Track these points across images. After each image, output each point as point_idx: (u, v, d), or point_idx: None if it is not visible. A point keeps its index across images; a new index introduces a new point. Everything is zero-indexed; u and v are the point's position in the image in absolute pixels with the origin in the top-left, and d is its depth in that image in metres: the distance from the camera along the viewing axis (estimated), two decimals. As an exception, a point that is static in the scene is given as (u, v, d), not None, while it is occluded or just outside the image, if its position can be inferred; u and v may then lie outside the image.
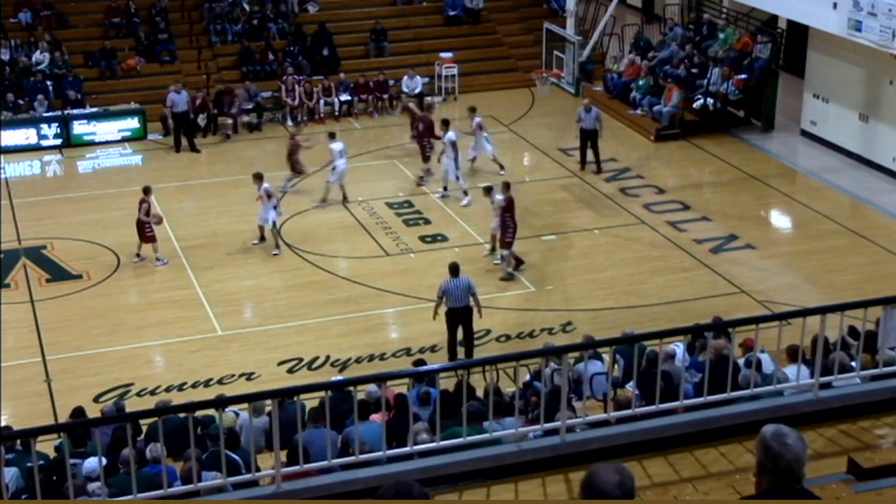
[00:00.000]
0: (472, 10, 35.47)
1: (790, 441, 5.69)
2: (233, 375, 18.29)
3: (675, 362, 13.75)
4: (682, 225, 24.07)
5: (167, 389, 17.82)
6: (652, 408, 10.02)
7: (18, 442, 13.10)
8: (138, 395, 17.63)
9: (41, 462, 11.58)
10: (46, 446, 13.27)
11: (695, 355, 14.80)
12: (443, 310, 18.49)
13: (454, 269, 18.61)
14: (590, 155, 26.99)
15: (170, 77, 31.46)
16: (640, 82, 30.46)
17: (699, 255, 22.62)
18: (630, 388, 12.54)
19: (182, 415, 11.78)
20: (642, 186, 26.30)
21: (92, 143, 29.37)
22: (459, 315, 18.50)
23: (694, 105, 29.13)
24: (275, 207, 22.54)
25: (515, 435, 10.14)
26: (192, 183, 26.67)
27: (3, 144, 28.35)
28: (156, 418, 12.24)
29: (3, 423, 16.49)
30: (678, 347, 14.21)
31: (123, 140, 29.40)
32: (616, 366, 14.78)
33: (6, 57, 31.26)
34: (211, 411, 13.08)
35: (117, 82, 31.67)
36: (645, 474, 9.25)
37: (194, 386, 17.98)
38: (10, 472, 12.34)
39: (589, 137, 26.89)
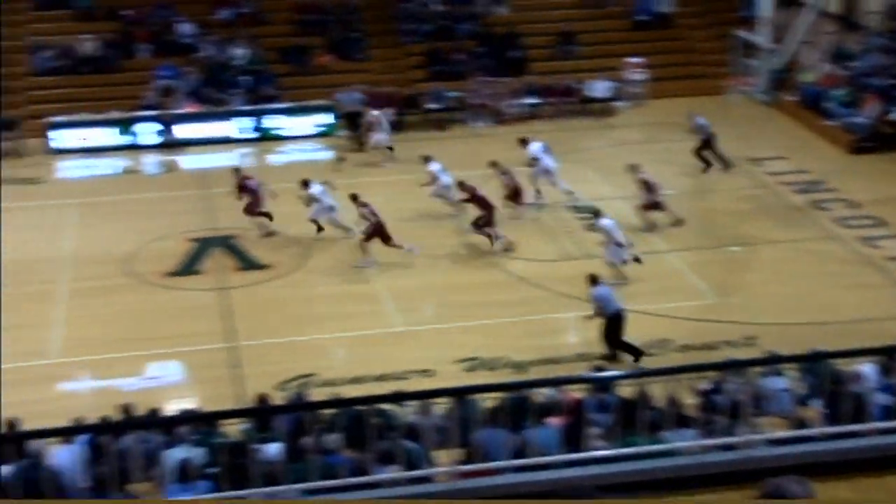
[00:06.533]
0: (661, 14, 35.04)
1: None
2: (411, 371, 18.50)
3: (865, 383, 13.29)
4: (877, 241, 23.24)
5: (348, 381, 18.12)
6: (838, 428, 9.72)
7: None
8: (320, 385, 17.97)
9: (225, 442, 11.95)
10: (232, 430, 13.65)
11: (889, 377, 14.26)
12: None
13: (596, 279, 18.78)
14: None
15: (359, 75, 32.12)
16: (837, 92, 29.55)
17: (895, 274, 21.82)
18: (815, 406, 12.20)
19: (361, 407, 11.98)
20: (834, 200, 25.50)
21: (284, 137, 30.21)
22: (622, 316, 18.55)
23: (891, 117, 28.09)
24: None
25: (693, 447, 9.98)
26: (377, 180, 27.04)
27: (202, 136, 29.47)
28: (335, 409, 12.49)
29: (189, 406, 17.11)
30: (868, 368, 13.73)
31: (315, 135, 30.10)
32: (800, 383, 14.38)
33: (207, 52, 32.42)
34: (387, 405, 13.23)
35: (309, 79, 32.43)
36: (827, 499, 8.96)
37: (374, 379, 18.23)
38: (199, 452, 12.80)
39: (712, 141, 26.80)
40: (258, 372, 18.52)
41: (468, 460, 10.56)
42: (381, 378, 18.16)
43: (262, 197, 23.67)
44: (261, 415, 14.03)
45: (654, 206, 23.62)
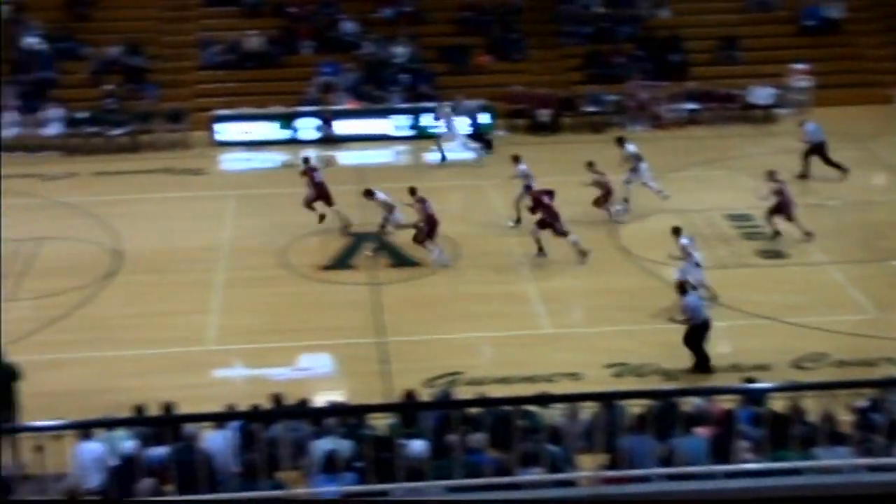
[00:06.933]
0: (830, 20, 34.10)
1: None
2: (558, 374, 18.41)
3: None
4: None
5: (494, 381, 18.14)
6: None
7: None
8: (467, 383, 18.03)
9: (371, 436, 12.09)
10: (379, 424, 13.81)
11: None
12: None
13: (685, 287, 18.58)
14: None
15: (517, 76, 32.16)
16: None
17: None
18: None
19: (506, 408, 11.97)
20: None
21: (440, 136, 30.35)
22: (709, 326, 18.37)
23: None
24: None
25: (847, 466, 9.68)
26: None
27: (360, 133, 29.90)
28: (481, 408, 12.51)
29: (337, 399, 17.39)
30: None
31: (472, 134, 30.20)
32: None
33: (368, 50, 32.89)
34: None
35: (467, 78, 32.57)
36: None
37: (521, 380, 18.20)
38: (346, 444, 12.99)
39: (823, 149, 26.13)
40: (406, 368, 18.68)
41: (613, 466, 10.45)
42: (527, 379, 18.11)
43: (324, 191, 23.79)
44: (407, 410, 14.15)
45: (780, 212, 23.00)
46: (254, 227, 24.39)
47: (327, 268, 22.69)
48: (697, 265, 20.23)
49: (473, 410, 13.51)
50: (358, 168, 28.48)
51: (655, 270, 22.18)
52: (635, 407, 13.29)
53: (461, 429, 12.22)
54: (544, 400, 11.77)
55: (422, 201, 22.67)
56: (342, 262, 22.94)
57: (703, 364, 18.43)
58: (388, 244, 23.58)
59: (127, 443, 13.75)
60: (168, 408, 14.25)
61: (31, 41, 32.52)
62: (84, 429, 13.59)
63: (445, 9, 34.62)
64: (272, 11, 34.29)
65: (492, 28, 33.89)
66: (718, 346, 19.71)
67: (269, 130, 30.67)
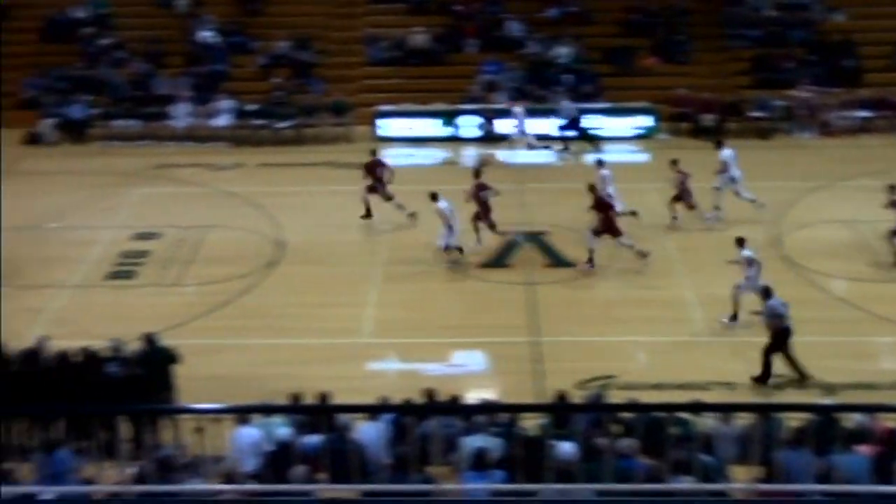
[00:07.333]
0: None
1: None
2: (713, 382, 18.06)
3: None
4: None
5: (647, 387, 17.91)
6: None
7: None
8: (619, 387, 17.84)
9: (522, 435, 12.06)
10: (529, 424, 13.76)
11: None
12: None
13: (770, 291, 18.24)
14: None
15: (683, 78, 31.71)
16: None
17: None
18: None
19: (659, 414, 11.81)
20: None
21: (602, 138, 30.20)
22: (791, 333, 17.99)
23: None
24: None
25: None
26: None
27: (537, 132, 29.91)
28: (633, 413, 12.37)
29: (488, 397, 17.40)
30: None
31: (633, 137, 29.92)
32: None
33: (532, 49, 32.87)
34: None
35: (631, 79, 32.25)
36: None
37: (675, 387, 17.92)
38: (496, 441, 13.00)
39: None
40: (558, 368, 18.59)
41: (768, 479, 10.20)
42: (681, 386, 17.82)
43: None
44: (559, 411, 14.07)
45: None
46: (412, 222, 24.59)
47: (484, 265, 22.75)
48: (751, 279, 19.72)
49: (625, 415, 13.38)
50: (517, 168, 28.45)
51: (818, 281, 21.58)
52: (793, 420, 12.96)
53: (612, 433, 12.09)
54: (698, 408, 11.55)
55: (486, 187, 22.91)
56: (499, 260, 22.97)
57: (765, 375, 18.04)
58: (545, 244, 23.50)
59: (282, 429, 14.04)
60: (323, 397, 14.48)
61: (206, 35, 33.52)
62: (243, 413, 13.95)
63: (611, 10, 34.34)
64: (438, 9, 34.56)
65: (658, 30, 33.48)
66: (886, 362, 19.11)
67: (431, 127, 30.92)
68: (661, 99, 30.91)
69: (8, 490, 9.72)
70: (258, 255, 23.37)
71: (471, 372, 19.20)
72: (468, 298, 21.56)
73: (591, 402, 15.49)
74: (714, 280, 21.47)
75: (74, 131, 31.02)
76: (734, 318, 19.81)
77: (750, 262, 19.77)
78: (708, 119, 30.37)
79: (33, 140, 30.79)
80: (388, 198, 24.47)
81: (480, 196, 22.81)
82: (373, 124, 30.95)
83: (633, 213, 23.86)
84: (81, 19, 34.29)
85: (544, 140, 29.50)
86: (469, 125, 30.76)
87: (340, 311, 21.04)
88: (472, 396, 17.19)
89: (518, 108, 29.29)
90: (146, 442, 13.89)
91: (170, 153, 29.94)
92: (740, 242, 20.14)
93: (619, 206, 23.05)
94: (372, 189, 24.57)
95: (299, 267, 22.85)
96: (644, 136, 30.35)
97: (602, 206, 22.23)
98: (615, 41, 33.40)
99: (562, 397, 15.00)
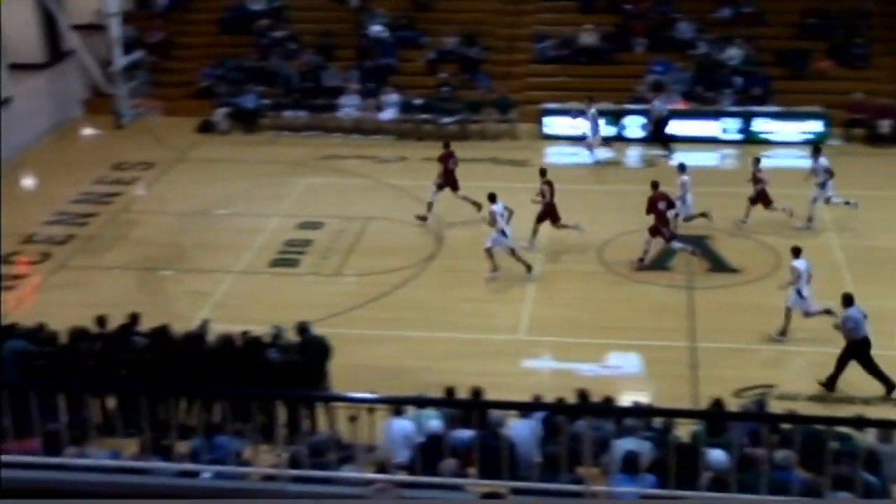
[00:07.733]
0: None
1: None
2: (875, 397, 17.52)
3: None
4: None
5: (807, 398, 17.48)
6: None
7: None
8: (778, 397, 17.43)
9: (675, 441, 11.88)
10: (683, 430, 13.57)
11: None
12: None
13: (850, 299, 17.74)
14: None
15: (859, 83, 30.73)
16: None
17: None
18: None
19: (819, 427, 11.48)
20: None
21: (770, 142, 29.52)
22: (869, 343, 17.58)
23: None
24: None
25: None
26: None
27: (687, 134, 29.46)
28: (792, 425, 12.05)
29: (642, 400, 17.19)
30: None
31: (803, 142, 29.13)
32: None
33: (702, 50, 32.33)
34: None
35: (804, 83, 31.43)
36: None
37: (836, 400, 17.43)
38: (647, 445, 12.85)
39: None
40: (715, 375, 18.28)
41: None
42: (843, 400, 17.34)
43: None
44: (715, 419, 13.81)
45: None
46: (574, 221, 24.45)
47: (643, 268, 22.48)
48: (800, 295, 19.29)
49: (783, 426, 13.05)
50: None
51: None
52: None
53: (769, 444, 11.81)
54: (861, 423, 11.19)
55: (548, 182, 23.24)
56: (659, 263, 22.67)
57: (887, 384, 17.64)
58: (708, 249, 23.12)
59: (434, 422, 14.14)
60: (477, 393, 14.53)
61: (377, 29, 34.00)
62: (397, 404, 14.10)
63: (786, 11, 33.51)
64: (607, 8, 34.28)
65: (835, 33, 32.50)
66: None
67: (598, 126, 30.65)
68: (834, 104, 30.01)
69: (167, 466, 10.03)
70: (418, 248, 23.61)
71: (626, 374, 19.03)
72: (625, 300, 21.36)
73: (749, 411, 15.14)
74: (882, 291, 20.79)
75: (246, 121, 31.85)
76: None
77: (798, 273, 19.30)
78: (884, 126, 29.37)
79: (207, 128, 31.76)
80: (441, 188, 24.85)
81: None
82: (538, 122, 30.89)
83: (704, 215, 23.69)
84: (258, 12, 35.18)
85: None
86: (634, 125, 30.43)
87: (498, 308, 21.12)
88: (626, 399, 17.02)
89: (592, 109, 28.83)
90: (302, 427, 14.16)
91: (336, 144, 30.48)
92: (796, 252, 19.68)
93: (685, 211, 23.23)
94: (449, 183, 24.81)
95: (459, 261, 22.99)
96: (814, 142, 29.44)
97: (652, 208, 22.22)
98: (789, 44, 32.57)
99: (717, 404, 14.72)
